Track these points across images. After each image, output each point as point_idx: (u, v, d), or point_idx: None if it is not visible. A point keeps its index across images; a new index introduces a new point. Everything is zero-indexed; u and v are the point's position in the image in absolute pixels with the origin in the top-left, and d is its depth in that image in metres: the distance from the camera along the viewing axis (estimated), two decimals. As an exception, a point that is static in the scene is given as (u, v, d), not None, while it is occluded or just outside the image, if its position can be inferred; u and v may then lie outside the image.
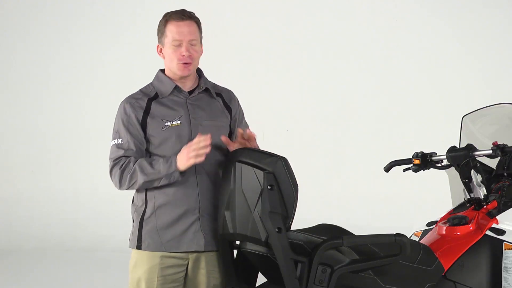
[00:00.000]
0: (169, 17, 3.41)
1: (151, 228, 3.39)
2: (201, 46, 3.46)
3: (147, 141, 3.40)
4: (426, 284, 3.39)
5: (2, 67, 8.69)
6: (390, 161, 4.04)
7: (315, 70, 8.19)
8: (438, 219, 3.85)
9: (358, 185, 7.97)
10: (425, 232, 3.87)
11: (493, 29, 7.89)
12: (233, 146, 3.43)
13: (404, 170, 4.03)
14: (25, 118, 8.62)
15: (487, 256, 3.51)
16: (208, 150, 3.25)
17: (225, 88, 3.61)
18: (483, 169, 3.77)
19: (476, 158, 3.70)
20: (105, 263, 7.29)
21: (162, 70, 3.51)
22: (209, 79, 3.56)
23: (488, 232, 3.54)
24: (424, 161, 3.89)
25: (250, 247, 3.26)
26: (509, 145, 3.68)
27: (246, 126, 3.63)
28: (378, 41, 8.09)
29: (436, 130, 7.67)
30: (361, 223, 6.76)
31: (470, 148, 3.69)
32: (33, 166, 8.57)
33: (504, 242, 3.49)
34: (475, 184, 3.71)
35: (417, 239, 3.86)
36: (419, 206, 7.15)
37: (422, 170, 3.93)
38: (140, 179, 3.33)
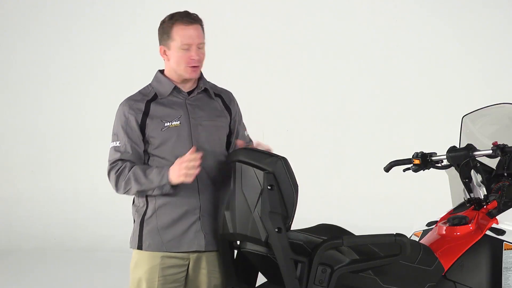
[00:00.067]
0: (175, 20, 3.38)
1: (151, 228, 3.39)
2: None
3: (147, 142, 3.40)
4: (426, 284, 3.39)
5: (2, 67, 8.69)
6: (390, 161, 4.04)
7: (315, 70, 8.19)
8: (438, 219, 3.85)
9: (358, 185, 7.97)
10: (425, 232, 3.87)
11: (493, 29, 7.89)
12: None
13: (404, 170, 4.03)
14: (25, 118, 8.62)
15: (487, 256, 3.51)
16: (198, 171, 3.24)
17: (224, 89, 3.61)
18: (483, 169, 3.77)
19: (476, 158, 3.70)
20: (105, 263, 7.29)
21: (161, 71, 3.51)
22: (209, 79, 3.56)
23: (488, 232, 3.55)
24: (424, 161, 3.89)
25: (250, 247, 3.26)
26: (509, 145, 3.68)
27: (244, 128, 3.64)
28: (378, 41, 8.09)
29: (436, 130, 7.67)
30: (361, 223, 6.76)
31: (470, 148, 3.69)
32: (33, 166, 8.57)
33: (504, 242, 3.49)
34: (475, 184, 3.71)
35: (417, 239, 3.86)
36: (419, 206, 7.15)
37: (422, 170, 3.93)
38: (134, 187, 3.35)
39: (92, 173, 8.16)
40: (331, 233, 3.34)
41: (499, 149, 3.66)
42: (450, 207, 3.95)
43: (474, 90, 7.74)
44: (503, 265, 3.48)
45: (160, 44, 3.43)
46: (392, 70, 8.06)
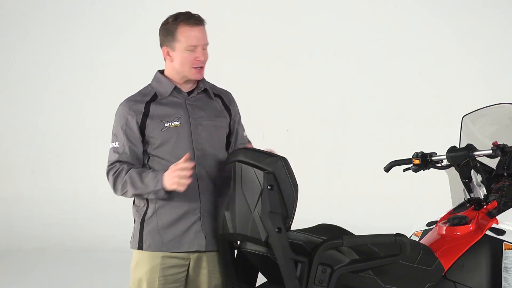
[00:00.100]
0: (180, 21, 3.37)
1: (152, 228, 3.40)
2: None
3: (147, 142, 3.40)
4: (426, 284, 3.39)
5: (2, 67, 8.69)
6: (390, 161, 4.04)
7: (315, 70, 8.19)
8: (438, 219, 3.85)
9: (358, 185, 7.97)
10: (425, 232, 3.87)
11: (493, 29, 7.89)
12: None
13: (404, 170, 4.03)
14: (25, 118, 8.62)
15: (487, 256, 3.51)
16: (190, 181, 3.23)
17: (223, 89, 3.61)
18: (483, 169, 3.77)
19: (476, 158, 3.70)
20: (105, 263, 7.29)
21: (161, 71, 3.51)
22: (209, 79, 3.56)
23: (488, 232, 3.55)
24: (424, 161, 3.89)
25: (250, 247, 3.26)
26: (509, 145, 3.68)
27: (243, 128, 3.65)
28: (378, 41, 8.09)
29: (436, 130, 7.67)
30: (361, 223, 6.75)
31: (470, 148, 3.69)
32: (33, 166, 8.57)
33: (504, 242, 3.49)
34: (475, 184, 3.71)
35: (417, 239, 3.86)
36: (419, 206, 7.15)
37: (422, 170, 3.93)
38: (130, 191, 3.36)
39: (92, 173, 8.16)
40: (331, 233, 3.34)
41: (499, 149, 3.66)
42: (450, 207, 3.95)
43: (474, 90, 7.74)
44: (503, 265, 3.48)
45: (163, 45, 3.42)
46: (392, 70, 8.06)
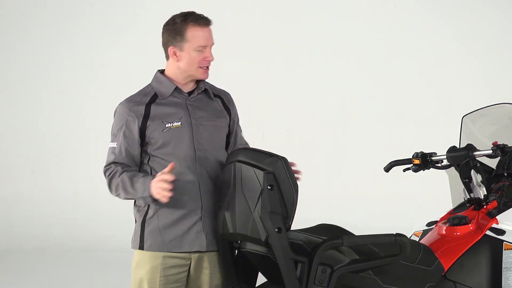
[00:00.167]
0: (190, 21, 3.37)
1: (153, 229, 3.40)
2: None
3: (147, 143, 3.40)
4: (426, 284, 3.39)
5: (2, 67, 8.69)
6: (390, 161, 4.04)
7: (315, 70, 8.19)
8: (438, 219, 3.85)
9: (358, 185, 7.96)
10: (425, 232, 3.87)
11: (493, 29, 7.89)
12: None
13: (404, 170, 4.03)
14: (25, 118, 8.62)
15: (487, 256, 3.51)
16: (170, 194, 3.22)
17: (222, 90, 3.61)
18: (483, 169, 3.77)
19: (476, 158, 3.70)
20: (105, 263, 7.29)
21: (161, 71, 3.51)
22: (209, 79, 3.56)
23: (488, 232, 3.55)
24: (424, 161, 3.89)
25: (250, 247, 3.26)
26: (509, 145, 3.68)
27: (240, 129, 3.66)
28: (378, 41, 8.09)
29: (436, 130, 7.67)
30: (361, 223, 6.76)
31: (470, 148, 3.69)
32: (33, 166, 8.57)
33: (504, 242, 3.49)
34: (475, 184, 3.71)
35: (417, 239, 3.86)
36: (419, 206, 7.15)
37: (422, 170, 3.93)
38: (122, 194, 3.37)
39: (92, 173, 8.12)
40: (331, 233, 3.34)
41: (499, 149, 3.66)
42: (450, 207, 3.95)
43: (474, 90, 7.74)
44: (503, 265, 3.48)
45: (170, 45, 3.40)
46: (392, 70, 8.06)
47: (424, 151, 3.91)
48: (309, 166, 7.90)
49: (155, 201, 3.31)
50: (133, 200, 3.49)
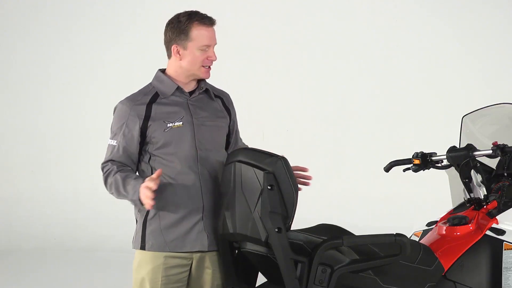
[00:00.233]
0: (195, 20, 3.38)
1: (154, 229, 3.39)
2: None
3: (148, 142, 3.40)
4: (426, 284, 3.39)
5: (2, 67, 8.69)
6: (390, 161, 4.04)
7: (315, 70, 8.19)
8: (438, 219, 3.85)
9: (358, 185, 7.96)
10: (425, 232, 3.87)
11: (493, 29, 7.89)
12: None
13: (404, 170, 4.03)
14: (25, 118, 8.62)
15: (487, 256, 3.51)
16: (153, 203, 3.20)
17: (222, 90, 3.62)
18: (483, 169, 3.77)
19: (476, 158, 3.70)
20: (105, 263, 7.29)
21: (162, 70, 3.51)
22: (209, 79, 3.56)
23: (488, 232, 3.55)
24: (424, 161, 3.88)
25: (250, 247, 3.26)
26: (509, 145, 3.68)
27: (238, 132, 3.67)
28: (378, 41, 8.09)
29: (436, 130, 7.67)
30: (361, 223, 6.76)
31: (470, 148, 3.69)
32: (33, 166, 8.57)
33: (504, 242, 3.49)
34: (475, 184, 3.71)
35: (417, 239, 3.86)
36: (419, 206, 7.15)
37: (422, 170, 3.93)
38: (115, 194, 3.38)
39: (92, 173, 8.10)
40: (331, 233, 3.34)
41: (499, 149, 3.66)
42: (450, 207, 3.95)
43: (474, 90, 7.75)
44: (503, 265, 3.48)
45: (173, 43, 3.40)
46: (392, 70, 8.06)
47: (424, 151, 3.91)
48: (309, 166, 7.92)
49: (143, 205, 3.29)
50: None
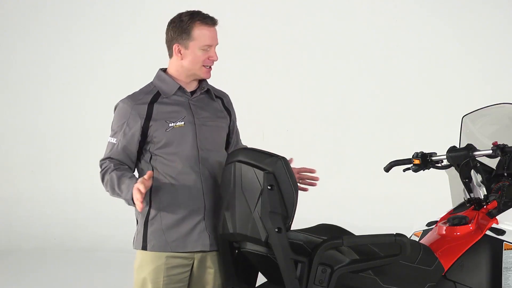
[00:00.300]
0: (197, 20, 3.38)
1: (156, 229, 3.39)
2: None
3: (150, 142, 3.40)
4: (426, 284, 3.39)
5: (2, 67, 8.69)
6: (390, 161, 4.04)
7: (315, 70, 8.19)
8: (438, 219, 3.85)
9: (358, 185, 7.96)
10: (425, 232, 3.87)
11: (493, 29, 7.89)
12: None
13: (404, 170, 4.03)
14: (25, 118, 8.62)
15: (487, 256, 3.51)
16: (142, 206, 3.21)
17: (222, 91, 3.62)
18: (483, 169, 3.77)
19: (476, 158, 3.70)
20: (105, 263, 7.29)
21: (163, 70, 3.51)
22: (209, 79, 3.56)
23: (488, 232, 3.55)
24: (424, 161, 3.88)
25: (250, 247, 3.26)
26: (509, 145, 3.68)
27: (238, 133, 3.67)
28: (378, 41, 8.09)
29: (436, 130, 7.67)
30: (361, 223, 6.76)
31: (470, 148, 3.69)
32: (33, 166, 8.57)
33: (504, 242, 3.49)
34: (475, 184, 3.71)
35: (417, 239, 3.86)
36: (419, 206, 7.15)
37: (422, 170, 3.93)
38: (110, 192, 3.39)
39: (92, 173, 8.06)
40: (331, 233, 3.34)
41: (499, 149, 3.66)
42: (450, 207, 3.95)
43: (474, 90, 7.75)
44: (503, 265, 3.48)
45: (175, 43, 3.40)
46: (392, 70, 8.06)
47: (424, 151, 3.91)
48: (309, 166, 7.94)
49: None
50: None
